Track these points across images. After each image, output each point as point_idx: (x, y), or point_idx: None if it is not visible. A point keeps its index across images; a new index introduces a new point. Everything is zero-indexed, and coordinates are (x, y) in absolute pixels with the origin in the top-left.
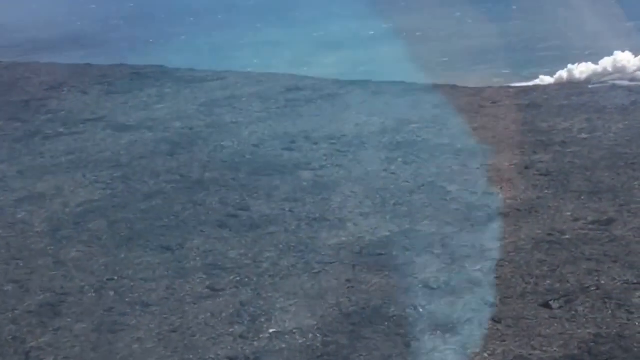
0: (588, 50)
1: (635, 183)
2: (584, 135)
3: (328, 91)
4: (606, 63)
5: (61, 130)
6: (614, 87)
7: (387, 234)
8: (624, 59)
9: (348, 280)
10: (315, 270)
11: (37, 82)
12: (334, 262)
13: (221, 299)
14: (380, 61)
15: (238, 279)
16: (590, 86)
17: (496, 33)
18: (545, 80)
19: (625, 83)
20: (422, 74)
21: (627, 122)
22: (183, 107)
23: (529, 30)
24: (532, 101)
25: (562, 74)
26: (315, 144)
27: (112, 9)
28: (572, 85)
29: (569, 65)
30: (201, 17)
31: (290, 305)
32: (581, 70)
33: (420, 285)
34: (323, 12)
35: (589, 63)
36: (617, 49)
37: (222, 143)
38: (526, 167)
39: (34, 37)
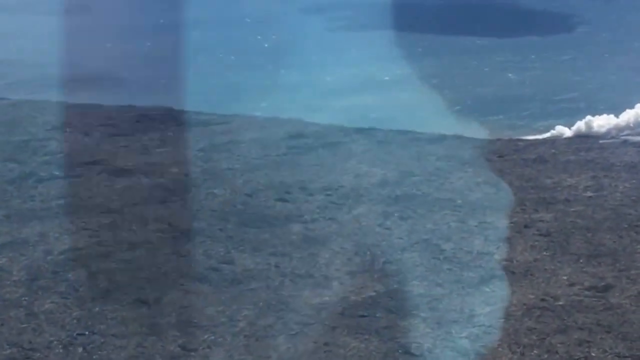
0: (608, 102)
1: (638, 246)
2: (589, 194)
3: (332, 139)
4: (627, 116)
5: (56, 173)
6: (625, 143)
7: (373, 294)
8: None
9: (326, 344)
10: (292, 332)
11: (41, 121)
12: (313, 323)
13: None
14: (392, 108)
15: (212, 338)
16: (601, 141)
17: (513, 82)
18: (562, 131)
19: (638, 139)
20: (433, 123)
21: (634, 181)
22: (182, 151)
23: (547, 81)
24: (540, 155)
25: (580, 125)
26: (311, 195)
27: (128, 48)
28: (581, 140)
29: (588, 117)
30: (216, 58)
31: None
32: (600, 123)
33: (400, 351)
34: (338, 55)
35: (611, 115)
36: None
37: (215, 191)
38: (526, 226)
39: (45, 74)
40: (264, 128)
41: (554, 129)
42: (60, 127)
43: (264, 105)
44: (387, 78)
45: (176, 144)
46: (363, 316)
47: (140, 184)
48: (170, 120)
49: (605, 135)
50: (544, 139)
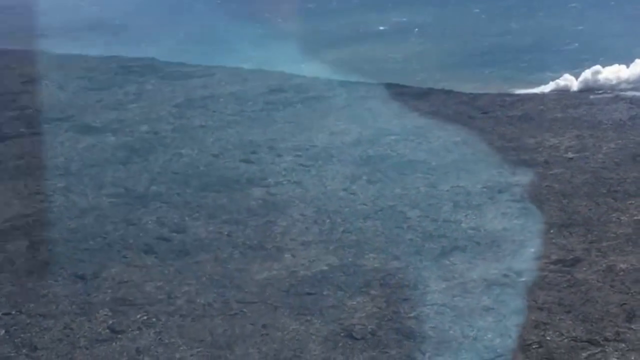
0: (610, 53)
1: (614, 215)
2: (570, 155)
3: (313, 93)
4: (618, 70)
5: (22, 130)
6: (616, 99)
7: (325, 268)
8: None
9: (264, 326)
10: (232, 312)
11: (18, 73)
12: (255, 302)
13: (118, 343)
14: (384, 60)
15: (145, 318)
16: (592, 97)
17: (514, 31)
18: (569, 80)
19: (630, 94)
20: (424, 76)
21: (620, 141)
22: (157, 107)
23: (550, 29)
24: (526, 112)
25: (587, 75)
26: (279, 155)
27: None
28: (572, 95)
29: (595, 67)
30: (214, 7)
31: (191, 355)
32: (601, 75)
33: (342, 335)
34: (338, 3)
35: (612, 67)
36: None
37: (182, 151)
38: (500, 191)
39: (38, 23)
40: (246, 81)
41: (554, 81)
42: (37, 80)
43: (254, 55)
44: (383, 28)
45: (152, 99)
46: (309, 294)
47: (105, 143)
48: (151, 73)
49: (616, 86)
50: (533, 94)
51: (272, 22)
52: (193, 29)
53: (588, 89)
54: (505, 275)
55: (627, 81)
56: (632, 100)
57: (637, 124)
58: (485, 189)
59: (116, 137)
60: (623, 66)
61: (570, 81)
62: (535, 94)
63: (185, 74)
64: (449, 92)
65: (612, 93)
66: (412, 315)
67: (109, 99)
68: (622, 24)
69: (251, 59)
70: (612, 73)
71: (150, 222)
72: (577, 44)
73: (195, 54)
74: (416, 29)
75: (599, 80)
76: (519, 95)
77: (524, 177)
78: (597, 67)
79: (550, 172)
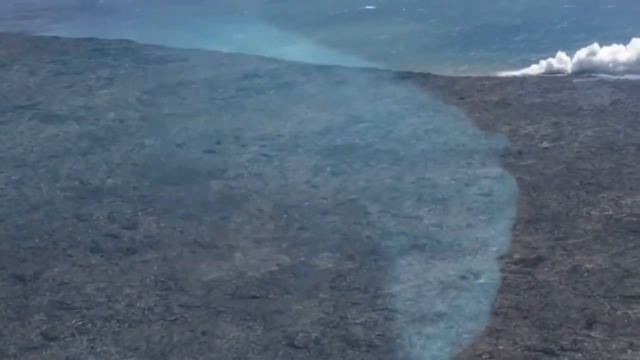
0: (600, 35)
1: (584, 209)
2: (545, 144)
3: (288, 78)
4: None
5: None
6: (600, 83)
7: (275, 268)
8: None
9: (204, 333)
10: (172, 317)
11: None
12: (198, 307)
13: (49, 351)
14: (368, 42)
15: (80, 323)
16: (575, 80)
17: (503, 11)
18: (563, 61)
19: (614, 78)
20: (406, 59)
21: (598, 129)
22: (128, 93)
23: (540, 8)
24: (504, 97)
25: (582, 55)
26: (243, 146)
27: None
28: (554, 79)
29: (591, 47)
30: None
31: None
32: (606, 53)
33: (283, 343)
34: None
35: (620, 46)
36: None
37: (145, 141)
38: (467, 184)
39: (25, 2)
40: (222, 66)
41: (546, 60)
42: (9, 64)
43: (235, 38)
44: (370, 7)
45: (123, 84)
46: (255, 297)
47: (67, 133)
48: (127, 56)
49: (595, 70)
50: (514, 77)
51: (258, 2)
52: (177, 10)
53: (583, 71)
54: (463, 277)
55: (624, 63)
56: (615, 84)
57: (618, 109)
58: (452, 182)
59: (80, 125)
60: (621, 46)
61: (565, 62)
62: (516, 77)
63: (161, 57)
64: (427, 76)
65: (597, 77)
66: (359, 321)
67: (79, 85)
68: (616, 2)
69: (232, 42)
70: (609, 54)
71: (101, 217)
72: (567, 23)
73: (175, 37)
74: (404, 9)
75: (594, 62)
76: (499, 78)
77: (495, 169)
78: (594, 46)
79: (523, 163)
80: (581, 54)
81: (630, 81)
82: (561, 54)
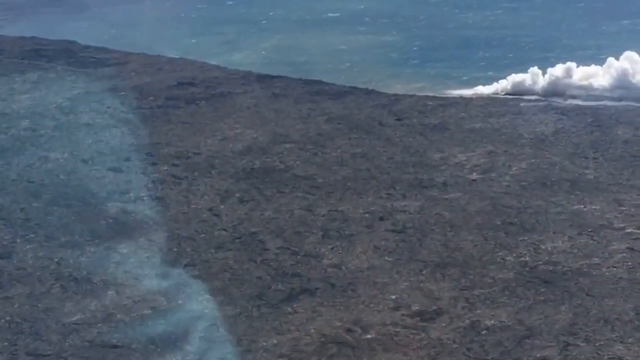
0: (587, 49)
1: (499, 254)
2: (474, 176)
3: (223, 89)
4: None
5: None
6: (547, 108)
7: (147, 312)
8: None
9: None
10: None
11: None
12: (47, 356)
13: None
14: (322, 52)
15: None
16: (522, 104)
17: (470, 24)
18: (535, 76)
19: (564, 103)
20: (356, 72)
21: (533, 160)
22: (50, 99)
23: (508, 22)
24: (444, 120)
25: (557, 72)
26: (154, 164)
27: None
28: (500, 102)
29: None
30: None
31: None
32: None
33: None
34: None
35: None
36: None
37: (51, 154)
38: (381, 218)
39: None
40: (159, 72)
41: (527, 72)
42: None
43: (188, 42)
44: (333, 15)
45: (48, 89)
46: (115, 347)
47: None
48: (63, 58)
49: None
50: (460, 98)
51: (220, 4)
52: (139, 10)
53: (554, 93)
54: (349, 330)
55: (602, 87)
56: (563, 111)
57: (560, 139)
58: (366, 215)
59: None
60: (598, 67)
61: (532, 80)
62: (463, 98)
63: (99, 60)
64: (370, 93)
65: (545, 101)
66: None
67: (1, 88)
68: (588, 19)
69: (180, 47)
70: (564, 71)
71: None
72: (535, 39)
73: (123, 38)
74: (367, 18)
75: (569, 80)
76: (445, 98)
77: (414, 202)
78: (568, 64)
79: (446, 197)
80: (556, 70)
81: (579, 107)
82: (515, 76)
